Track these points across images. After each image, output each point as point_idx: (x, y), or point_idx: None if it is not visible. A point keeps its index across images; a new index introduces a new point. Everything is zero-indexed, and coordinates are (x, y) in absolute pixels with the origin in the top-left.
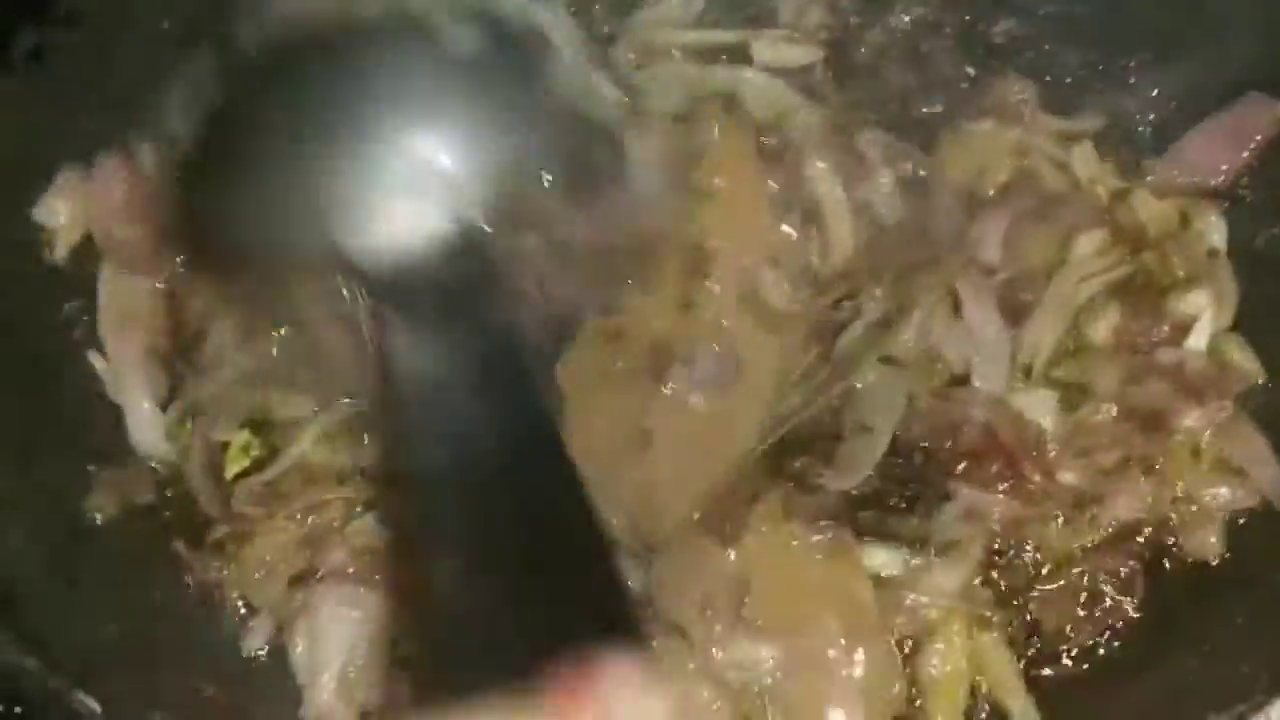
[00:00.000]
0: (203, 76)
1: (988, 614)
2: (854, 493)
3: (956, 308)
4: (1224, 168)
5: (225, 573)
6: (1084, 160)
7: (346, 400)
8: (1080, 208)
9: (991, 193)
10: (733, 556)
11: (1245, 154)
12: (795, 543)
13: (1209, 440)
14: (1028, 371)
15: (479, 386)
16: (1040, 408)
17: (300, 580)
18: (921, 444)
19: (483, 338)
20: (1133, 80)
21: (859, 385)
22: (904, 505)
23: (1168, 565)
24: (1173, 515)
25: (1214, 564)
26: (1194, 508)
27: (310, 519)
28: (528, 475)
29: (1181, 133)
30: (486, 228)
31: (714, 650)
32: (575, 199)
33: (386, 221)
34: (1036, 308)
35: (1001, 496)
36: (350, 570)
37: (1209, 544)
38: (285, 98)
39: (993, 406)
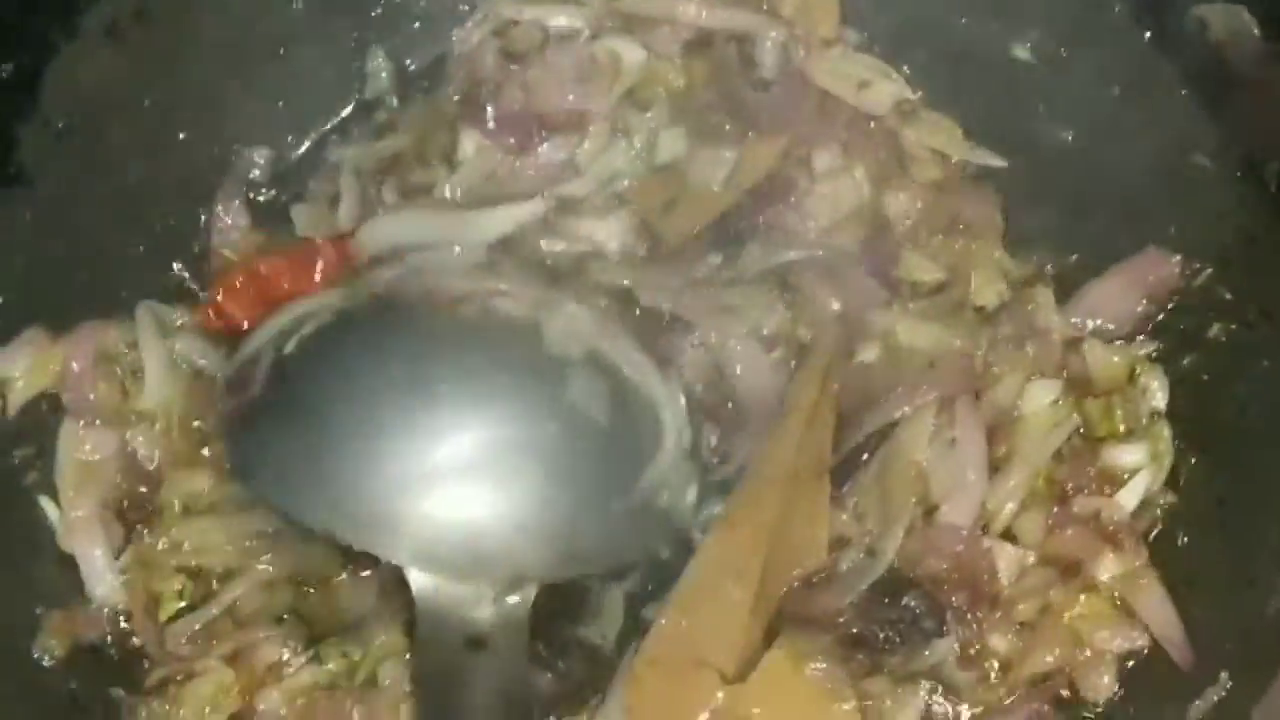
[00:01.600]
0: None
1: None
2: (852, 630)
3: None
4: (1123, 315)
5: (166, 712)
6: (1045, 305)
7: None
8: (1041, 351)
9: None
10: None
11: (1142, 304)
12: (801, 691)
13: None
14: (987, 524)
15: (484, 713)
16: (1002, 556)
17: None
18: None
19: (499, 677)
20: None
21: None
22: (891, 644)
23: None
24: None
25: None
26: (1088, 651)
27: (243, 659)
28: None
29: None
30: (533, 589)
31: None
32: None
33: (447, 540)
34: (1011, 465)
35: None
36: (283, 713)
37: (1102, 684)
38: (387, 357)
39: (971, 542)
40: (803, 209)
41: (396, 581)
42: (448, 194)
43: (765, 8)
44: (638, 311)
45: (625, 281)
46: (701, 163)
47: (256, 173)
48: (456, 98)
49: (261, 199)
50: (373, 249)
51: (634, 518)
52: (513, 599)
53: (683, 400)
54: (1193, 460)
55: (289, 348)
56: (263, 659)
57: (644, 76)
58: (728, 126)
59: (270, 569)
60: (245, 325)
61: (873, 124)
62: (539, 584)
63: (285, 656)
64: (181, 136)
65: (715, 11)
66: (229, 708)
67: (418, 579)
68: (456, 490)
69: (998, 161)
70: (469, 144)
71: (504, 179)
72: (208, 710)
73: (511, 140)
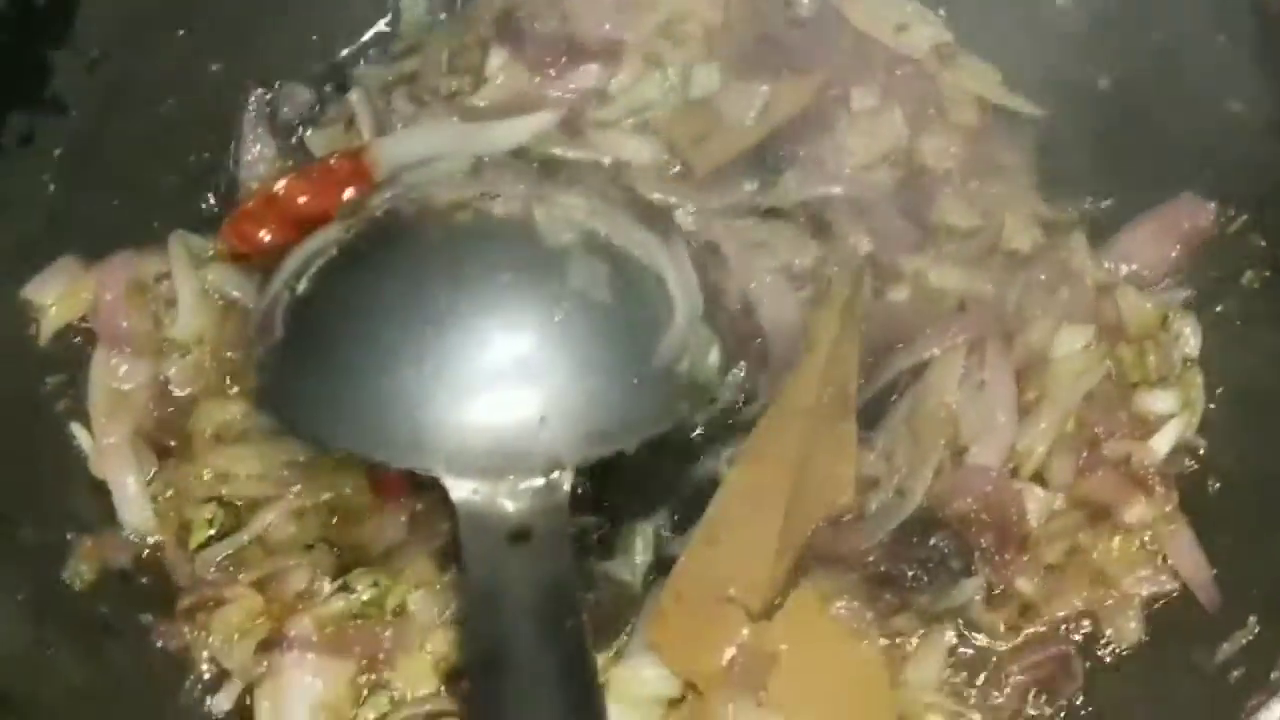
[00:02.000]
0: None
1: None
2: (880, 569)
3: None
4: (1157, 261)
5: (194, 637)
6: (1079, 250)
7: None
8: (1074, 296)
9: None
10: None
11: (1176, 251)
12: (826, 630)
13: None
14: (1017, 466)
15: (532, 609)
16: (1031, 499)
17: (268, 646)
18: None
19: (543, 568)
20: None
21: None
22: (918, 583)
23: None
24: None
25: (1133, 648)
26: (1115, 594)
27: (273, 587)
28: (558, 690)
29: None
30: (569, 473)
31: (728, 709)
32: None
33: (475, 444)
34: (1041, 407)
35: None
36: (315, 639)
37: (1129, 628)
38: (394, 280)
39: (1000, 484)
40: (839, 145)
41: (426, 510)
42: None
43: None
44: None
45: (660, 196)
46: (734, 98)
47: (286, 109)
48: (490, 17)
49: (294, 136)
50: (388, 163)
51: (656, 388)
52: (550, 488)
53: (690, 268)
54: (1225, 407)
55: (301, 288)
56: (292, 586)
57: (680, 10)
58: (762, 63)
59: (300, 498)
60: (269, 243)
61: (910, 66)
62: (574, 470)
63: (315, 584)
64: (214, 68)
65: None
66: (258, 634)
67: (454, 485)
68: (478, 393)
69: (1035, 108)
70: (497, 60)
71: (531, 100)
72: (236, 636)
73: (545, 59)
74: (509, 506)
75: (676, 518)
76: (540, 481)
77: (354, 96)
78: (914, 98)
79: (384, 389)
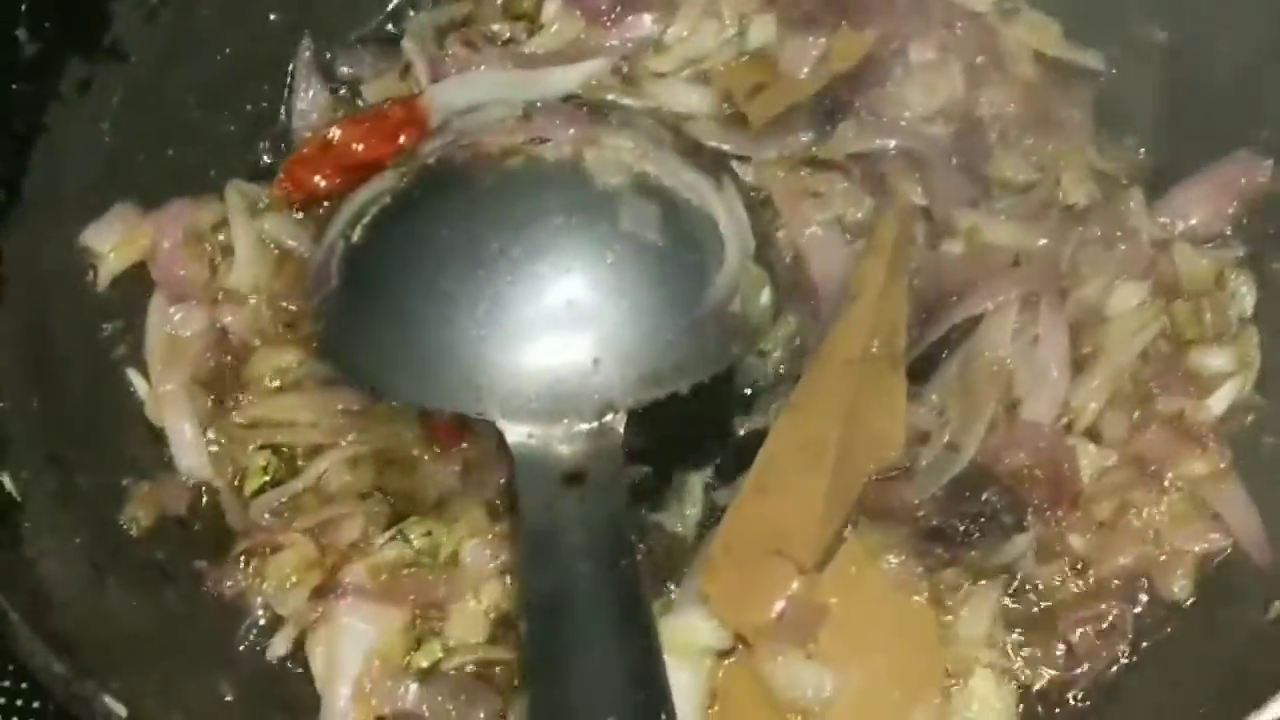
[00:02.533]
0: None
1: (1011, 665)
2: (931, 523)
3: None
4: (1213, 218)
5: (249, 583)
6: (1135, 206)
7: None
8: (1129, 252)
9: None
10: (811, 584)
11: (1232, 207)
12: (876, 583)
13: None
14: (1070, 422)
15: (588, 550)
16: (1084, 455)
17: (322, 592)
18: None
19: (598, 509)
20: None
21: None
22: (969, 538)
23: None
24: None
25: (1185, 605)
26: (1167, 550)
27: (327, 535)
28: (614, 629)
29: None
30: (622, 415)
31: (777, 661)
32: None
33: (529, 387)
34: (1095, 364)
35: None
36: (369, 586)
37: (1181, 585)
38: (446, 227)
39: (1053, 439)
40: (896, 98)
41: (479, 459)
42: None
43: None
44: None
45: (719, 144)
46: (791, 50)
47: (342, 64)
48: None
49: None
50: (442, 109)
51: (708, 329)
52: (603, 431)
53: (741, 207)
54: None
55: (356, 237)
56: (346, 534)
57: None
58: (820, 16)
59: (355, 446)
60: (323, 189)
61: (970, 21)
62: (627, 411)
63: (368, 532)
64: (272, 18)
65: None
66: (311, 580)
67: (510, 429)
68: (532, 337)
69: (1097, 63)
70: (552, 8)
71: (586, 48)
72: (291, 582)
73: (601, 7)
74: (564, 450)
75: (726, 470)
76: (594, 424)
77: (408, 44)
78: (972, 52)
79: (439, 335)
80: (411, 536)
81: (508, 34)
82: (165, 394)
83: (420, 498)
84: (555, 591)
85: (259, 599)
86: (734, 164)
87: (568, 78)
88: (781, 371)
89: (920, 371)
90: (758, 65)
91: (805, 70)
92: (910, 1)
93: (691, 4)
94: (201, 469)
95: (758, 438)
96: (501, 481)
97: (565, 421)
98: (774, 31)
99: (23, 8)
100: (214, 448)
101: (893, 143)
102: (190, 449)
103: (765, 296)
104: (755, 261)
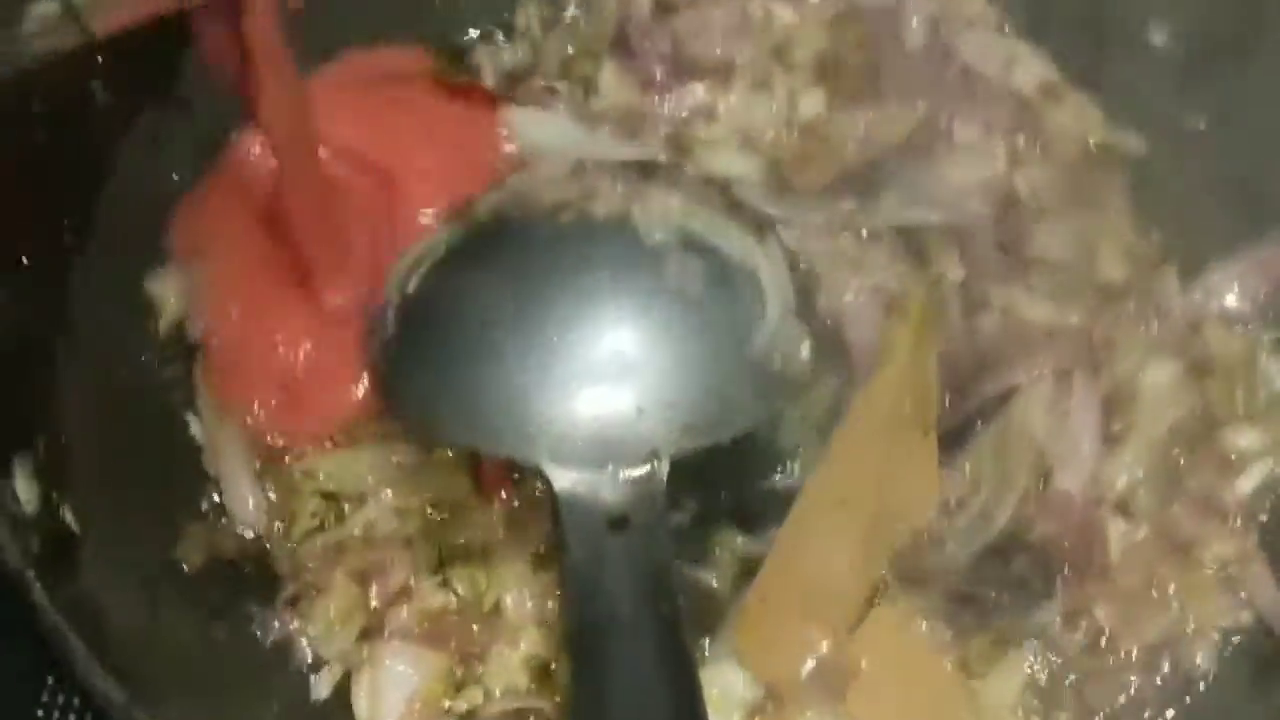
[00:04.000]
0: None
1: None
2: (962, 589)
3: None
4: (1245, 300)
5: (295, 625)
6: (1169, 284)
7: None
8: (1163, 330)
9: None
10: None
11: (1265, 290)
12: (907, 647)
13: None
14: (1100, 496)
15: (631, 594)
16: (1113, 529)
17: (368, 635)
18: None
19: (641, 554)
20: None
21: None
22: (999, 605)
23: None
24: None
25: (1207, 679)
26: (1191, 625)
27: (373, 579)
28: (656, 672)
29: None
30: (665, 463)
31: (806, 717)
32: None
33: (577, 434)
34: (1127, 439)
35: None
36: (414, 631)
37: (1204, 659)
38: (499, 279)
39: (1084, 512)
40: (939, 173)
41: (525, 511)
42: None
43: None
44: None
45: (767, 209)
46: (839, 124)
47: None
48: (604, 31)
49: None
50: (519, 133)
51: (748, 381)
52: (648, 478)
53: (783, 264)
54: None
55: (411, 288)
56: (392, 579)
57: (791, 36)
58: (868, 91)
59: (403, 496)
60: None
61: (1014, 101)
62: (670, 459)
63: (414, 578)
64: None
65: None
66: (356, 624)
67: (556, 474)
68: (580, 386)
69: (1137, 146)
70: (608, 74)
71: (640, 115)
72: (336, 625)
73: (656, 75)
74: (609, 495)
75: (761, 527)
76: (639, 471)
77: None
78: (1015, 131)
79: (491, 382)
80: (456, 584)
81: (566, 92)
82: (221, 442)
83: (466, 545)
84: (599, 633)
85: (305, 640)
86: (777, 228)
87: (622, 152)
88: (817, 433)
89: (954, 441)
90: (806, 137)
91: (852, 144)
92: (956, 80)
93: (743, 76)
94: (256, 521)
95: (791, 496)
96: (545, 532)
97: (610, 467)
98: (823, 105)
99: (99, 59)
100: (266, 495)
101: (934, 216)
102: (244, 500)
103: (805, 351)
104: (795, 317)
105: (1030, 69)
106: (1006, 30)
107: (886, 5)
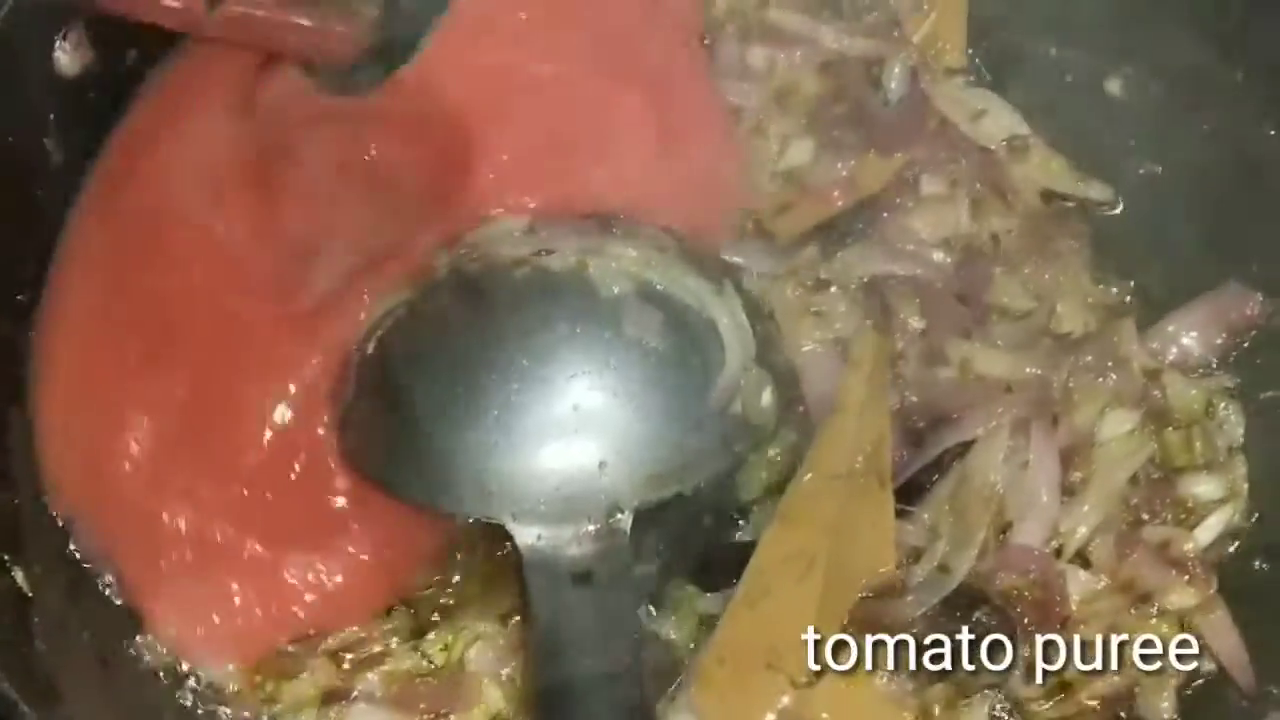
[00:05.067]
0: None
1: None
2: (922, 639)
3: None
4: (1203, 349)
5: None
6: (1127, 336)
7: None
8: (1121, 381)
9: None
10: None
11: (1222, 338)
12: (868, 699)
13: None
14: (1060, 546)
15: (594, 648)
16: (1073, 579)
17: (332, 699)
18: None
19: (605, 608)
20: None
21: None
22: (960, 655)
23: None
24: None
25: None
26: (1151, 674)
27: (349, 651)
28: None
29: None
30: (629, 516)
31: None
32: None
33: (539, 491)
34: (1086, 489)
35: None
36: (378, 694)
37: (1164, 707)
38: (457, 337)
39: (1043, 563)
40: (905, 226)
41: (497, 573)
42: None
43: (896, 34)
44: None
45: (728, 256)
46: (821, 172)
47: None
48: None
49: None
50: None
51: (710, 429)
52: (611, 531)
53: (741, 313)
54: (1268, 493)
55: (370, 347)
56: (368, 648)
57: (790, 81)
58: (850, 139)
59: None
60: None
61: (981, 154)
62: (634, 512)
63: (387, 646)
64: None
65: (854, 40)
66: (328, 685)
67: (520, 531)
68: (540, 442)
69: (1103, 195)
70: None
71: None
72: (305, 699)
73: None
74: (573, 550)
75: (720, 581)
76: (602, 525)
77: None
78: (980, 185)
79: (451, 441)
80: (430, 651)
81: None
82: None
83: (440, 609)
84: (564, 688)
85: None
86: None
87: None
88: (774, 484)
89: (912, 491)
90: (788, 185)
91: (833, 193)
92: (933, 132)
93: (745, 121)
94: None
95: (749, 549)
96: (512, 588)
97: (573, 523)
98: (809, 155)
99: (51, 118)
100: None
101: (899, 268)
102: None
103: (766, 397)
104: (756, 364)
105: (999, 121)
106: (982, 78)
107: (871, 54)
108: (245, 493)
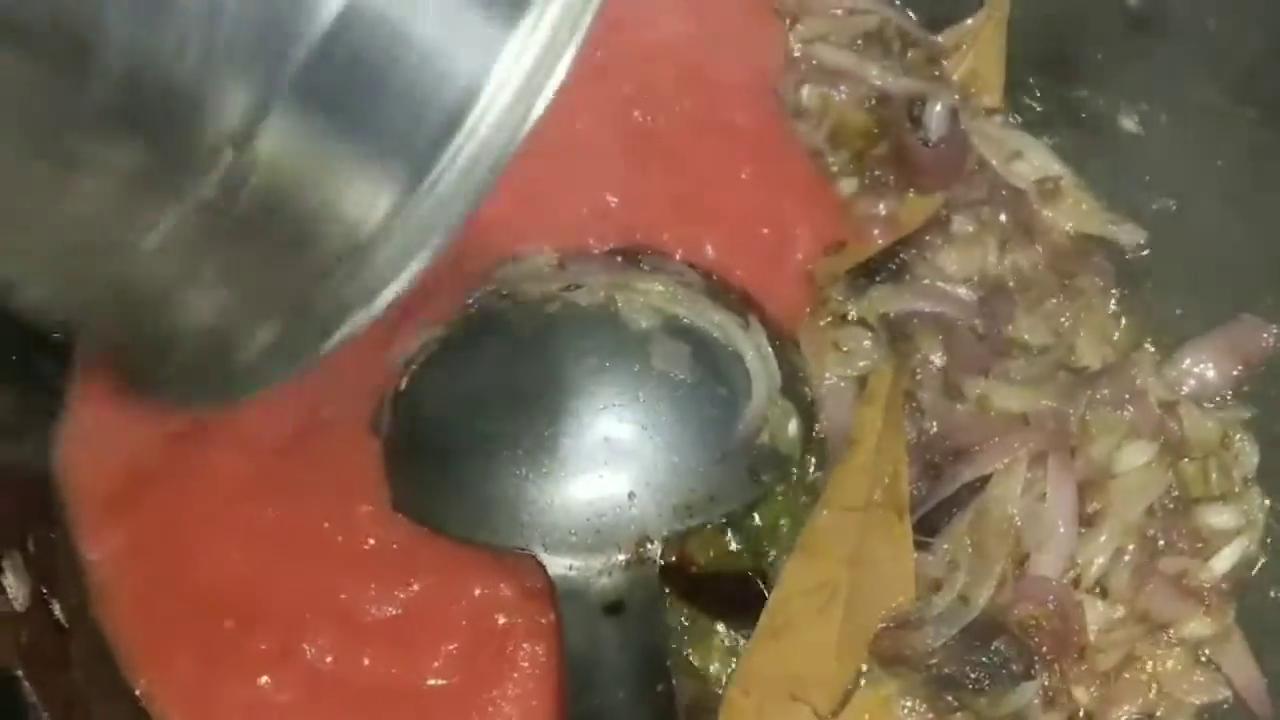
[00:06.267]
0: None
1: None
2: (943, 671)
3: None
4: (1218, 380)
5: None
6: (1145, 368)
7: None
8: (1138, 413)
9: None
10: None
11: (1237, 370)
12: None
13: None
14: (1078, 577)
15: (627, 676)
16: (1090, 610)
17: None
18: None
19: (636, 637)
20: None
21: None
22: (979, 686)
23: None
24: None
25: None
26: (1168, 702)
27: None
28: None
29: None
30: (659, 546)
31: None
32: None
33: (570, 522)
34: (1103, 521)
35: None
36: None
37: None
38: (488, 373)
39: (1061, 594)
40: (933, 264)
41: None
42: None
43: (938, 74)
44: None
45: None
46: (864, 211)
47: None
48: None
49: None
50: None
51: (738, 460)
52: (641, 561)
53: (767, 345)
54: None
55: (404, 384)
56: None
57: (843, 119)
58: (893, 178)
59: None
60: None
61: (1012, 193)
62: (664, 542)
63: None
64: None
65: (899, 80)
66: None
67: (551, 562)
68: (570, 474)
69: (1134, 236)
70: None
71: None
72: None
73: None
74: (604, 581)
75: (745, 614)
76: (632, 555)
77: None
78: (1009, 225)
79: (482, 475)
80: None
81: None
82: None
83: None
84: (595, 715)
85: None
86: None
87: None
88: (796, 517)
89: (932, 524)
90: None
91: (874, 232)
92: (972, 172)
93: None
94: None
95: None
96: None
97: (604, 553)
98: (854, 191)
99: None
100: None
101: (925, 306)
102: None
103: (793, 428)
104: (782, 395)
105: (1033, 161)
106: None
107: (913, 92)
108: None
